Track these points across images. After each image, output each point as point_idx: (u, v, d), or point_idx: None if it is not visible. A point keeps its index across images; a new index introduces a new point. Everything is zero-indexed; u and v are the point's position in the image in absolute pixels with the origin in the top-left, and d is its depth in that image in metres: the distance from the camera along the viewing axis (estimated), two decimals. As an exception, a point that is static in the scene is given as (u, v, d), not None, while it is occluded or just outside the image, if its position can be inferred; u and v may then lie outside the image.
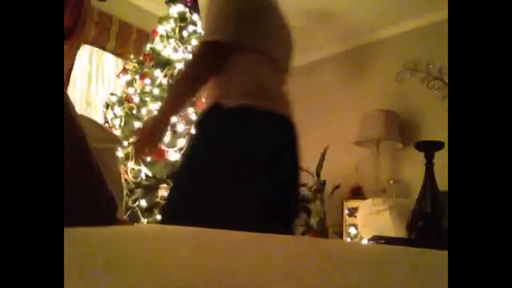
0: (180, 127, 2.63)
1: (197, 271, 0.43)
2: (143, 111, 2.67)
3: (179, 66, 2.82)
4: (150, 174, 2.46)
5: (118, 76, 3.07)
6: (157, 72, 2.80)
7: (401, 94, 3.69)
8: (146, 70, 2.82)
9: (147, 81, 2.79)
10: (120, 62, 3.61)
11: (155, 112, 2.62)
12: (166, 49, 2.87)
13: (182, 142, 2.60)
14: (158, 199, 2.39)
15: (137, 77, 2.83)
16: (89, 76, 3.38)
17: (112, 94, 2.84)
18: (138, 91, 2.78)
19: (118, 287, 0.32)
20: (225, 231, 1.17)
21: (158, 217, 2.32)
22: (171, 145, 2.59)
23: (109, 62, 3.57)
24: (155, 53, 2.87)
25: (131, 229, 1.15)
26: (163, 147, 2.54)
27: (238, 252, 0.71)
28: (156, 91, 2.73)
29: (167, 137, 2.59)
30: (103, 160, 1.38)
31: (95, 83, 3.40)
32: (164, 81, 2.78)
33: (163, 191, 2.39)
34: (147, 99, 2.69)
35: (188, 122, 2.69)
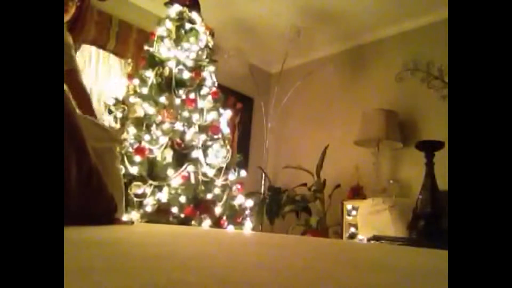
0: (166, 125, 2.65)
1: (197, 271, 0.43)
2: (140, 112, 2.68)
3: (171, 64, 2.83)
4: (131, 171, 2.44)
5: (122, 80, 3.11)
6: (149, 73, 2.81)
7: (401, 94, 3.69)
8: (140, 71, 2.85)
9: (136, 81, 2.81)
10: (120, 62, 3.61)
11: (141, 112, 2.64)
12: (162, 50, 2.88)
13: (164, 140, 2.61)
14: (131, 197, 2.38)
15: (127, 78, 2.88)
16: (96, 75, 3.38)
17: (113, 97, 2.86)
18: (131, 92, 2.80)
19: (118, 287, 0.32)
20: (226, 231, 1.17)
21: (134, 214, 2.31)
22: (154, 142, 2.59)
23: (108, 62, 3.57)
24: (149, 55, 2.89)
25: (131, 229, 1.15)
26: (144, 144, 2.54)
27: (239, 252, 0.71)
28: (145, 91, 2.74)
29: (149, 136, 2.59)
30: (102, 160, 1.38)
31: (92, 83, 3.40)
32: (156, 81, 2.79)
33: (136, 189, 2.38)
34: (137, 99, 2.70)
35: (176, 119, 2.70)
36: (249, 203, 2.93)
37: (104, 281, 0.34)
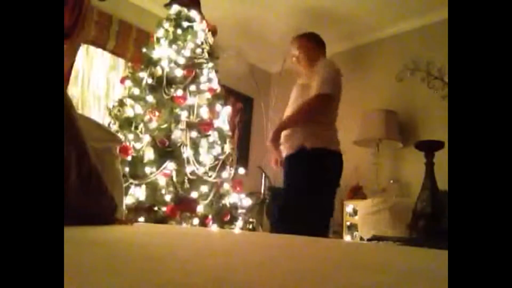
0: (152, 124, 2.65)
1: (198, 271, 0.43)
2: (130, 112, 2.70)
3: (164, 64, 2.82)
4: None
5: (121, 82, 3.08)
6: (142, 74, 2.81)
7: (401, 94, 3.69)
8: (135, 73, 2.85)
9: (128, 83, 2.81)
10: (113, 61, 3.62)
11: (131, 112, 2.64)
12: (157, 51, 2.88)
13: (147, 138, 2.61)
14: None
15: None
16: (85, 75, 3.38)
17: (114, 100, 2.88)
18: (125, 94, 2.80)
19: (118, 287, 0.32)
20: (225, 230, 1.17)
21: None
22: (137, 140, 2.58)
23: (104, 61, 3.56)
24: (145, 56, 2.89)
25: (131, 229, 1.15)
26: (127, 143, 2.52)
27: (238, 252, 0.71)
28: (136, 92, 2.75)
29: (131, 135, 2.58)
30: (102, 160, 1.38)
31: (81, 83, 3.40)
32: (149, 81, 2.78)
33: None
34: (131, 100, 2.71)
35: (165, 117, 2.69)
36: (246, 202, 2.89)
37: (104, 282, 0.34)
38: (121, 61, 3.63)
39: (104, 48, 3.46)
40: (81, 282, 0.33)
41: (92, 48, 3.43)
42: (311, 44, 2.41)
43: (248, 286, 0.36)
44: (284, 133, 2.19)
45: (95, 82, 3.45)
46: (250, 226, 2.92)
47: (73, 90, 3.26)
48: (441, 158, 2.46)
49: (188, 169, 2.59)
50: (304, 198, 2.07)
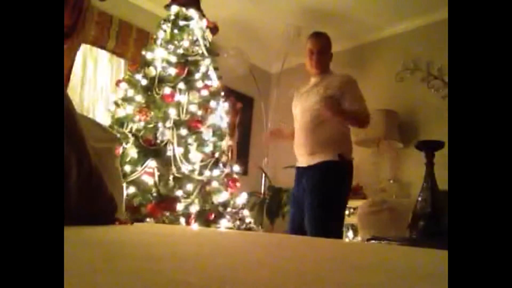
0: (141, 124, 2.65)
1: (198, 271, 0.43)
2: (122, 112, 2.70)
3: (157, 63, 2.81)
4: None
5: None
6: (138, 75, 2.81)
7: (401, 94, 3.69)
8: (134, 76, 2.86)
9: (123, 85, 2.81)
10: (114, 61, 3.63)
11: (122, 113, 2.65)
12: (150, 52, 2.88)
13: (131, 137, 2.61)
14: None
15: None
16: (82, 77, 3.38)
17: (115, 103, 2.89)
18: (120, 96, 2.81)
19: (118, 287, 0.32)
20: (225, 230, 1.17)
21: None
22: (126, 140, 2.58)
23: (106, 62, 3.57)
24: (143, 58, 2.89)
25: (131, 229, 1.15)
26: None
27: (238, 252, 0.71)
28: (130, 93, 2.75)
29: (118, 134, 2.57)
30: (102, 160, 1.38)
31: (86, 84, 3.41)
32: (144, 82, 2.78)
33: None
34: (125, 102, 2.72)
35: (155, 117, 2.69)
36: (241, 200, 2.85)
37: (104, 282, 0.34)
38: (123, 62, 3.64)
39: (104, 48, 3.46)
40: (81, 282, 0.33)
41: (95, 48, 3.44)
42: (329, 45, 2.39)
43: (248, 286, 0.36)
44: (311, 136, 2.21)
45: (98, 82, 3.46)
46: (246, 226, 2.84)
47: (75, 90, 3.26)
48: (441, 158, 2.46)
49: (175, 167, 2.56)
50: (343, 210, 2.29)
